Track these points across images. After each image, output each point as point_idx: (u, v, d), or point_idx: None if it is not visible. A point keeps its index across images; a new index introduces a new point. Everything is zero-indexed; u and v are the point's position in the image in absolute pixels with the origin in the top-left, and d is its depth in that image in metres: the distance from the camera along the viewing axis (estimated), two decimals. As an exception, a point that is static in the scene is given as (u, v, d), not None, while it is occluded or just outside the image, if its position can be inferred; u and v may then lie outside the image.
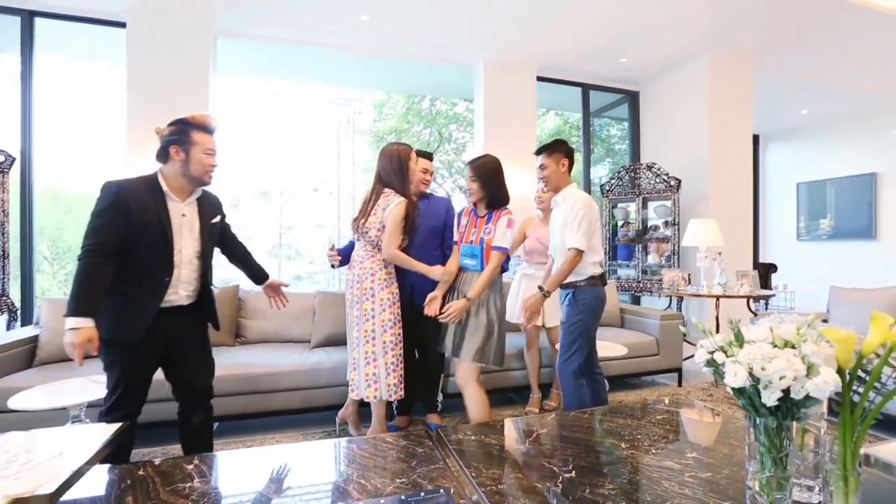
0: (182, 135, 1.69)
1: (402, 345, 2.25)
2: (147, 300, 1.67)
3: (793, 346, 1.05)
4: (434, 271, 2.18)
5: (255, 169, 7.56)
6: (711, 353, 1.09)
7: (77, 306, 1.51)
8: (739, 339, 1.09)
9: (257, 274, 2.10)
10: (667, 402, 1.91)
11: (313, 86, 7.08)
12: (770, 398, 0.98)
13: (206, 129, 1.75)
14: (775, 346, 1.05)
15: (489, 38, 4.59)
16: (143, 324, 1.65)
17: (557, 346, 2.68)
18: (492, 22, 4.26)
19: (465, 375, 2.11)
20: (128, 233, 1.60)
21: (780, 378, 0.94)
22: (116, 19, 3.92)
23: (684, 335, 3.51)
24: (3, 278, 3.50)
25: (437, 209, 2.58)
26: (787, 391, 0.99)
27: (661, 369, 3.37)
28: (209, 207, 1.83)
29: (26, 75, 3.88)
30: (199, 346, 1.87)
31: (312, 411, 2.61)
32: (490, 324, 2.10)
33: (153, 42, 3.90)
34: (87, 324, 1.52)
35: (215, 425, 2.67)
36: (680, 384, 3.43)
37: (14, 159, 3.53)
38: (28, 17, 3.85)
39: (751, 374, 1.01)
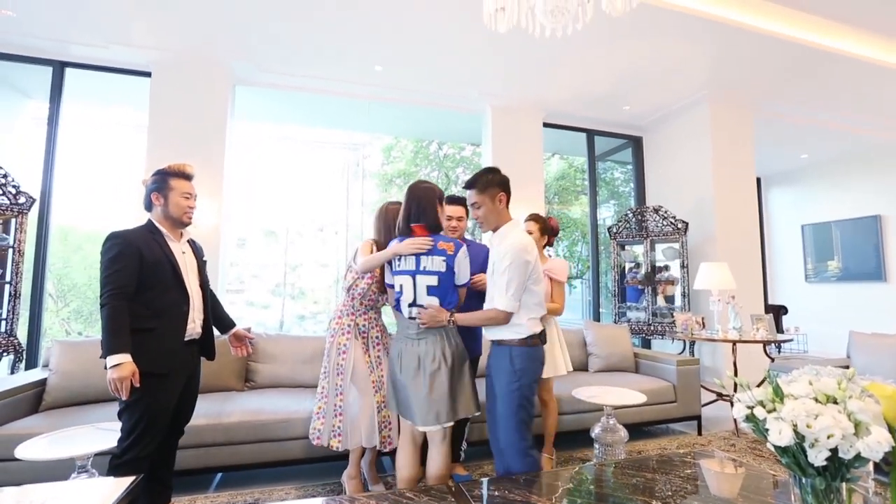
0: (161, 182, 1.89)
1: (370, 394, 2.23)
2: (172, 330, 1.82)
3: (835, 402, 1.02)
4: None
5: (264, 209, 7.69)
6: (751, 407, 1.06)
7: (115, 344, 1.64)
8: (779, 394, 1.06)
9: (224, 322, 2.18)
10: (692, 454, 1.84)
11: (324, 131, 7.31)
12: (818, 458, 0.94)
13: (183, 176, 1.93)
14: (817, 401, 1.02)
15: (497, 87, 4.78)
16: (173, 353, 1.80)
17: (546, 398, 2.61)
18: (499, 72, 4.46)
19: None
20: (142, 273, 1.75)
21: (828, 437, 0.91)
22: (143, 69, 4.12)
23: (707, 387, 3.42)
24: (13, 318, 3.49)
25: (475, 257, 2.39)
26: (834, 450, 0.96)
27: (680, 417, 3.26)
28: (198, 249, 2.07)
29: (53, 121, 4.03)
30: (198, 381, 2.05)
31: (325, 461, 2.51)
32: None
33: (176, 90, 4.08)
34: (127, 358, 1.65)
35: (219, 475, 2.59)
36: (700, 432, 3.31)
37: (34, 200, 3.61)
38: (60, 68, 4.05)
39: (795, 431, 0.98)
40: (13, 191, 3.49)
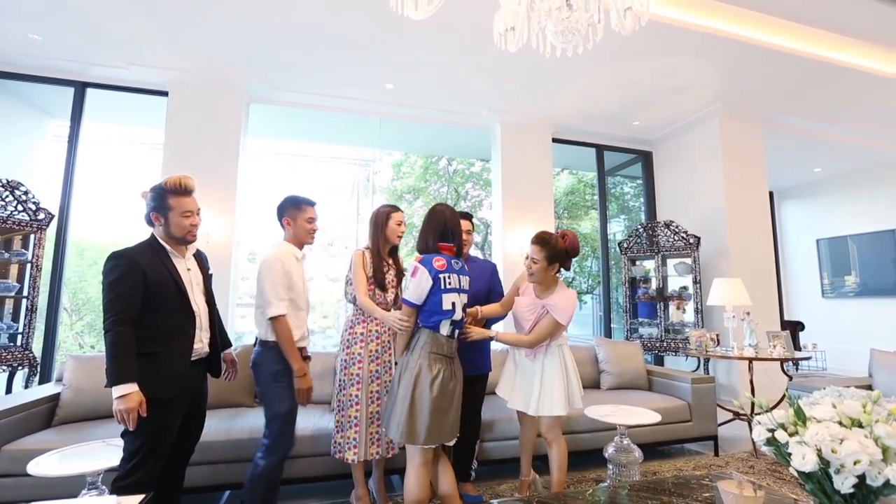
0: (159, 201, 1.77)
1: (375, 402, 2.23)
2: (178, 354, 1.74)
3: (860, 425, 0.99)
4: (388, 317, 2.06)
5: (275, 223, 7.75)
6: (772, 430, 1.03)
7: (121, 373, 1.56)
8: (801, 416, 1.03)
9: (223, 340, 2.08)
10: (709, 476, 1.78)
11: (335, 147, 7.42)
12: (844, 484, 0.91)
13: (182, 192, 1.80)
14: (842, 424, 0.99)
15: (506, 104, 4.82)
16: (179, 378, 1.73)
17: (550, 437, 2.23)
18: (508, 89, 4.50)
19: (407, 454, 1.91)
20: (146, 296, 1.66)
21: (855, 462, 0.88)
22: (160, 89, 4.24)
23: (723, 406, 3.34)
24: (29, 332, 3.54)
25: (481, 273, 2.47)
26: (862, 477, 0.93)
27: (696, 437, 3.18)
28: (203, 261, 1.98)
29: (73, 139, 4.15)
30: (205, 399, 1.97)
31: (335, 479, 2.48)
32: (402, 396, 1.85)
33: (191, 108, 4.18)
34: (134, 388, 1.57)
35: (227, 493, 2.57)
36: (717, 453, 3.22)
37: (52, 216, 3.69)
38: (81, 88, 4.18)
39: (820, 456, 0.94)
40: (33, 207, 3.58)
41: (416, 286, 1.88)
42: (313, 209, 2.26)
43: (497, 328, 2.60)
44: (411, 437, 1.79)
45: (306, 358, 2.20)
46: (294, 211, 2.20)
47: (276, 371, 2.02)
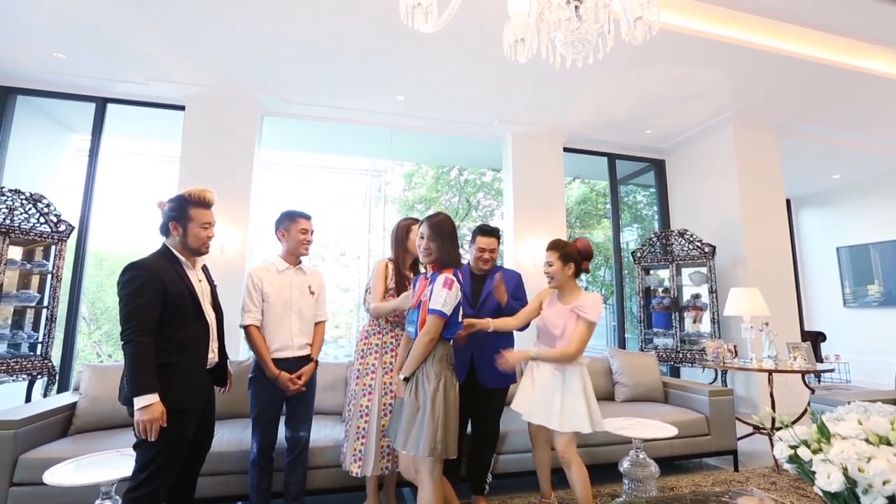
0: (180, 211, 1.79)
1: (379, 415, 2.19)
2: (194, 364, 1.76)
3: (888, 443, 0.95)
4: (403, 301, 2.01)
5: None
6: (794, 447, 1.00)
7: (143, 384, 1.57)
8: (825, 433, 0.99)
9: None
10: (729, 492, 1.73)
11: (347, 158, 7.50)
12: (873, 505, 0.87)
13: (203, 204, 1.84)
14: (869, 442, 0.95)
15: (517, 114, 4.83)
16: (195, 388, 1.74)
17: (567, 457, 2.13)
18: (519, 99, 4.51)
19: (417, 468, 1.82)
20: (164, 306, 1.66)
21: (884, 482, 0.84)
22: (177, 103, 4.35)
23: (745, 418, 3.25)
24: (48, 341, 3.61)
25: (507, 281, 2.44)
26: (892, 498, 0.89)
27: (714, 451, 3.09)
28: (209, 273, 2.01)
29: (94, 153, 4.26)
30: (214, 409, 1.96)
31: (347, 491, 2.46)
32: (434, 410, 1.76)
33: (207, 122, 4.28)
34: (156, 399, 1.57)
35: None
36: (736, 468, 3.12)
37: (73, 228, 3.78)
38: (102, 104, 4.31)
39: (846, 475, 0.91)
40: (55, 219, 3.67)
41: (453, 298, 1.85)
42: (307, 221, 2.33)
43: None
44: (447, 451, 1.73)
45: (314, 361, 2.29)
46: (288, 223, 2.30)
47: (250, 378, 2.21)
